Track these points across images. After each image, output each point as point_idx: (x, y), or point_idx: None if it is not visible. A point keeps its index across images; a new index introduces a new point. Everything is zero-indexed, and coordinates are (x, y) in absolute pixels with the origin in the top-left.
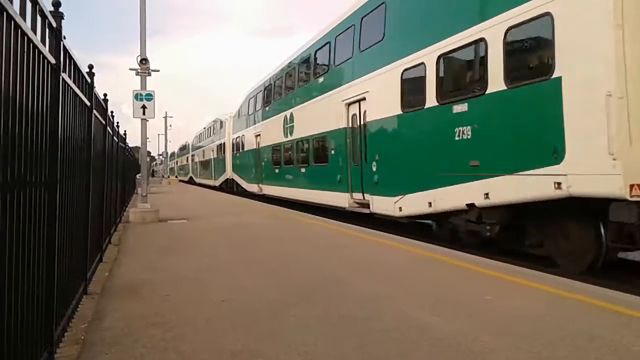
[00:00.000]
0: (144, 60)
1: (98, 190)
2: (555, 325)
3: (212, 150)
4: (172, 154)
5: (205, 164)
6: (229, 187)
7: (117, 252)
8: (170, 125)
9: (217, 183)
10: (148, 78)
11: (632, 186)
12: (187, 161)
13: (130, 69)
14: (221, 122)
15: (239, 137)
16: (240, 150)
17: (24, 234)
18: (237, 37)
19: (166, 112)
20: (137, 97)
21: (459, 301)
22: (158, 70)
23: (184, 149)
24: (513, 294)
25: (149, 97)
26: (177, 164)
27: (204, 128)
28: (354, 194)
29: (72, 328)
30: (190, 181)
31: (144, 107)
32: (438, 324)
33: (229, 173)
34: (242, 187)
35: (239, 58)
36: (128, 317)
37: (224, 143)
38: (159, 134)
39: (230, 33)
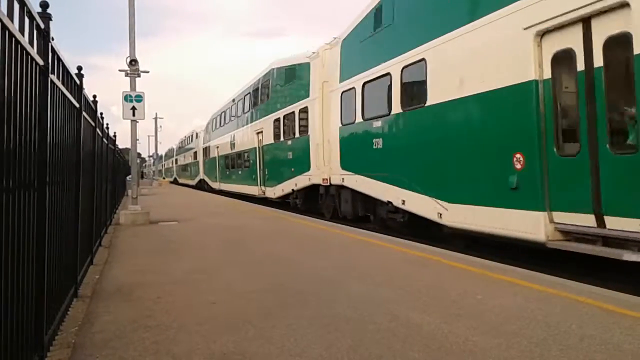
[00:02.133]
0: (133, 62)
1: (88, 192)
2: (546, 324)
3: (259, 134)
4: (169, 152)
5: (236, 161)
6: (321, 201)
7: (107, 255)
8: (161, 127)
9: (271, 192)
10: (138, 79)
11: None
12: (195, 158)
13: (120, 70)
14: (291, 71)
15: (378, 75)
16: (411, 104)
17: (13, 236)
18: (228, 38)
19: (156, 114)
20: (126, 98)
21: (450, 301)
22: (147, 72)
23: (185, 143)
24: (504, 293)
25: (139, 98)
26: (176, 163)
27: (233, 100)
28: None
29: (63, 331)
30: (201, 187)
31: (133, 108)
32: (430, 323)
33: (325, 171)
34: (383, 206)
35: (229, 59)
36: (119, 320)
37: (301, 110)
38: (149, 136)
39: (221, 34)
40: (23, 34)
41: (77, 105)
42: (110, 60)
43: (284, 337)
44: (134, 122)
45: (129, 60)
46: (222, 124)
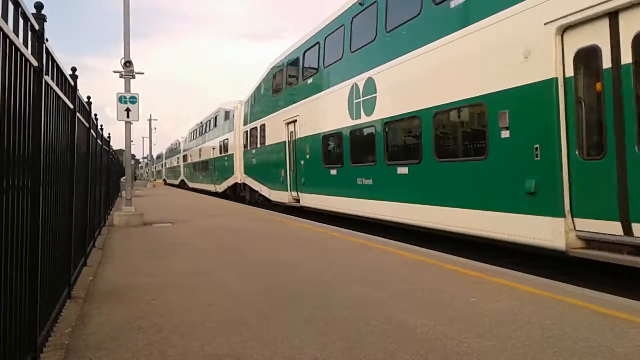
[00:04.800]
0: (127, 63)
1: (82, 193)
2: (539, 327)
3: None
4: (171, 148)
5: (396, 143)
6: None
7: (101, 256)
8: (155, 128)
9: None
10: (132, 81)
11: None
12: (224, 151)
13: (114, 72)
14: None
15: None
16: None
17: (6, 238)
18: (224, 40)
19: (150, 115)
20: (120, 99)
21: (445, 303)
22: (142, 73)
23: (201, 132)
24: (498, 296)
25: (133, 99)
26: (184, 160)
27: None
28: None
29: (56, 333)
30: (235, 195)
31: (127, 109)
32: (424, 326)
33: None
34: None
35: (225, 61)
36: (113, 321)
37: None
38: (143, 137)
39: (219, 36)
40: (17, 35)
41: (72, 106)
42: (105, 61)
43: (279, 339)
44: (128, 124)
45: (123, 61)
46: (305, 77)
